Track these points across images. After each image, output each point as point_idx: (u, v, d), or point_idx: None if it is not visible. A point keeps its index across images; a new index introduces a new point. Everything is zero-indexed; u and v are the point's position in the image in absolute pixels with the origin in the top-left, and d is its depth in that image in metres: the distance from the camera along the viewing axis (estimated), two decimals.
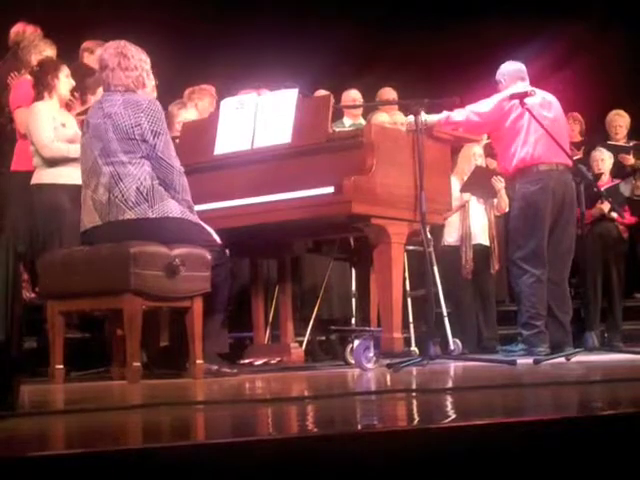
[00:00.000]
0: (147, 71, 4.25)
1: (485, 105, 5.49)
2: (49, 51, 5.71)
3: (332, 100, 4.66)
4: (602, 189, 6.52)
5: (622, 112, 7.52)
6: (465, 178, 6.34)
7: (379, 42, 8.55)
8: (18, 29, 6.13)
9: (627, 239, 7.11)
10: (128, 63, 4.18)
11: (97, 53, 6.13)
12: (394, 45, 8.39)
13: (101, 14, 7.12)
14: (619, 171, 7.16)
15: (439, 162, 4.74)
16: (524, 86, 5.46)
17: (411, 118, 4.64)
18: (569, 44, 7.67)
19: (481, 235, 6.45)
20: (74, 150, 5.09)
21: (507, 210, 6.32)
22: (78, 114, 5.44)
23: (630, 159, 7.28)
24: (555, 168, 5.47)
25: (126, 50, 4.20)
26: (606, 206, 6.82)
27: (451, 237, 6.48)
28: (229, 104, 4.88)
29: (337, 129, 5.80)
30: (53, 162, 5.13)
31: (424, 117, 5.08)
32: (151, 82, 4.35)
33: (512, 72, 5.72)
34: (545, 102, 5.57)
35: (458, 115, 5.37)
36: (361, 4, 8.36)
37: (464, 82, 7.12)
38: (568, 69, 6.44)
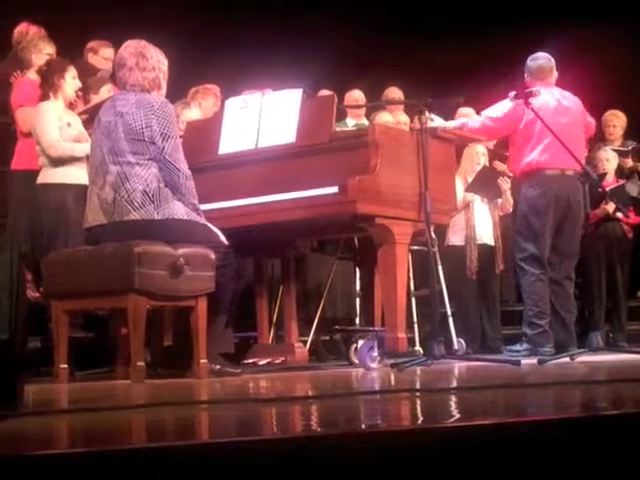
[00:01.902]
0: (164, 73, 4.25)
1: (498, 110, 5.51)
2: (49, 49, 5.71)
3: (336, 100, 4.66)
4: (607, 189, 6.51)
5: (618, 112, 7.48)
6: (468, 177, 6.33)
7: (382, 42, 8.54)
8: (21, 29, 6.12)
9: (632, 239, 7.09)
10: (146, 63, 4.17)
11: (101, 53, 6.17)
12: (397, 45, 8.39)
13: (105, 14, 7.12)
14: (618, 174, 7.14)
15: (443, 162, 4.73)
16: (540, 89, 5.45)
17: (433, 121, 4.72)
18: (571, 45, 7.66)
19: (486, 235, 6.44)
20: (80, 149, 5.10)
21: (511, 210, 6.33)
22: (80, 113, 5.45)
23: (629, 162, 7.26)
24: (561, 173, 5.47)
25: (145, 50, 4.20)
26: (611, 206, 6.80)
27: (456, 237, 6.48)
28: (233, 104, 4.88)
29: (340, 129, 5.80)
30: (59, 162, 5.14)
31: (442, 123, 5.15)
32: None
33: (533, 71, 5.71)
34: (561, 107, 5.56)
35: (474, 122, 5.43)
36: (365, 4, 8.36)
37: (468, 82, 7.12)
38: (571, 69, 6.43)
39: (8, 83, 5.78)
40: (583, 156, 5.68)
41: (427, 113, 4.81)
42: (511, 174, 6.14)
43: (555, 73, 5.74)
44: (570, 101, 5.67)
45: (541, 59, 5.74)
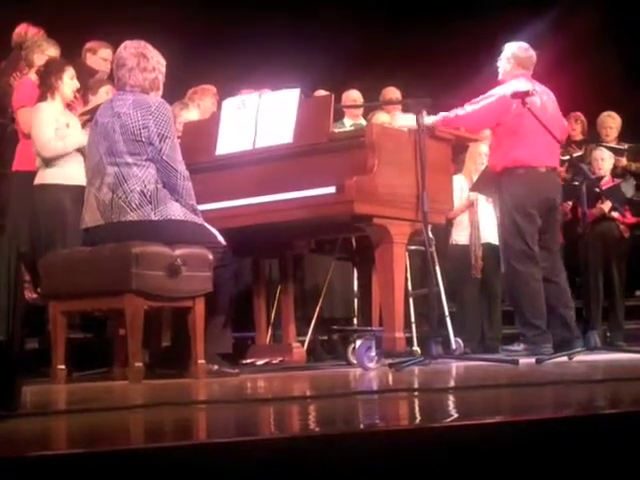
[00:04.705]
0: (163, 74, 4.25)
1: (484, 102, 5.47)
2: (52, 51, 5.71)
3: (333, 100, 4.66)
4: (603, 188, 6.52)
5: (613, 114, 7.51)
6: (473, 177, 6.35)
7: (380, 42, 8.55)
8: (20, 30, 6.12)
9: (628, 238, 7.10)
10: (147, 64, 4.17)
11: (100, 53, 6.16)
12: (395, 45, 8.40)
13: (103, 14, 7.12)
14: (613, 172, 7.15)
15: (440, 162, 4.74)
16: (525, 83, 5.44)
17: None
18: (567, 44, 7.68)
19: (490, 234, 6.46)
20: (70, 143, 5.10)
21: None
22: (81, 114, 5.44)
23: (623, 161, 7.28)
24: (546, 171, 5.47)
25: (146, 51, 4.20)
26: (607, 205, 6.82)
27: (460, 236, 6.50)
28: (231, 104, 4.88)
29: (338, 129, 5.81)
30: (56, 162, 5.13)
31: (428, 118, 5.15)
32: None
33: (522, 60, 5.63)
34: (543, 102, 5.55)
35: (460, 110, 5.38)
36: (362, 4, 8.36)
37: (466, 81, 7.13)
38: (566, 68, 6.43)
39: (8, 84, 5.78)
40: (558, 150, 5.67)
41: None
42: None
43: None
44: (548, 95, 5.66)
45: (532, 50, 5.69)
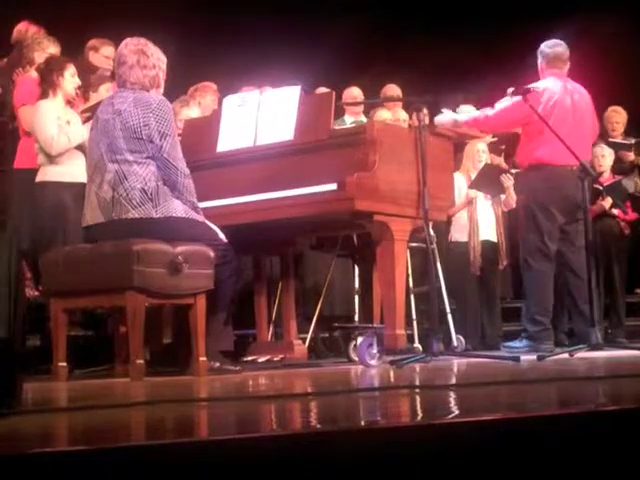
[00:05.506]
0: (164, 71, 4.25)
1: (512, 100, 5.45)
2: (52, 49, 5.71)
3: (334, 97, 4.65)
4: (604, 185, 6.52)
5: (619, 108, 7.49)
6: (471, 175, 6.35)
7: (381, 40, 8.54)
8: (21, 28, 6.12)
9: (629, 236, 7.09)
10: (147, 61, 4.18)
11: (102, 51, 6.16)
12: (395, 43, 8.39)
13: (105, 12, 7.12)
14: (618, 168, 7.14)
15: (441, 158, 4.73)
16: (553, 82, 5.43)
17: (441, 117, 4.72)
18: (573, 41, 7.66)
19: (489, 231, 6.47)
20: (74, 137, 5.09)
21: (514, 206, 6.35)
22: (83, 111, 5.44)
23: (631, 155, 7.27)
24: (570, 169, 5.44)
25: (146, 48, 4.20)
26: (607, 202, 6.81)
27: (459, 233, 6.51)
28: (231, 101, 4.88)
29: (338, 126, 5.81)
30: (58, 158, 5.13)
31: (452, 116, 5.15)
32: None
33: (550, 59, 5.62)
34: (574, 101, 5.53)
35: (488, 111, 5.38)
36: (363, 1, 8.35)
37: (468, 79, 7.12)
38: (573, 65, 6.42)
39: (10, 82, 5.78)
40: (590, 150, 5.66)
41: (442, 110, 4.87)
42: (512, 170, 6.14)
43: (568, 63, 5.70)
44: (581, 94, 5.64)
45: (558, 46, 5.64)
